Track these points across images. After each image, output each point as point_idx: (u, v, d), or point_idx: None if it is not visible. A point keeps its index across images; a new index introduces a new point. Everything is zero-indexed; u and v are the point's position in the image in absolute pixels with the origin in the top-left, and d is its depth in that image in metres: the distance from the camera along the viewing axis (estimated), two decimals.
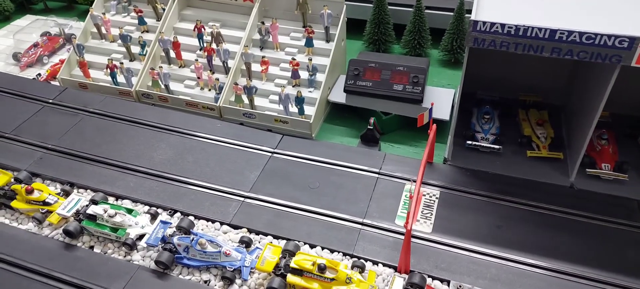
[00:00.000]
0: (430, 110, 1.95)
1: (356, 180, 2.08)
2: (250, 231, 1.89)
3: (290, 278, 1.63)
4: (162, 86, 2.60)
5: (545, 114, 2.28)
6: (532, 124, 2.22)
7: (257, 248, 1.79)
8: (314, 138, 2.38)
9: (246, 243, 1.80)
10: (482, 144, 2.16)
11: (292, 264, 1.64)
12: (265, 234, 1.87)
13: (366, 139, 2.31)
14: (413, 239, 1.81)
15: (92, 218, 1.84)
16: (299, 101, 2.34)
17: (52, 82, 2.83)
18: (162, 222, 1.86)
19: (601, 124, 2.17)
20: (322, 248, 1.80)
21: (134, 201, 2.03)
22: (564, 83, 2.37)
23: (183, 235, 1.79)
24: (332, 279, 1.61)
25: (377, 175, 2.09)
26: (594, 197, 1.93)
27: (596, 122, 1.80)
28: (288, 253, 1.71)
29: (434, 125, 2.01)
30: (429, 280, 1.68)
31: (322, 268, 1.61)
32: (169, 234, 1.81)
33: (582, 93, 2.09)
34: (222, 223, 1.93)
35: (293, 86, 2.51)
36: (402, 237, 1.80)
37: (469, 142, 2.18)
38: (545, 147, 2.12)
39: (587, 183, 1.99)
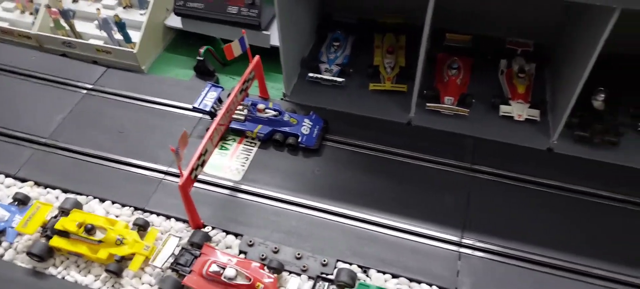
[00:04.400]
0: (242, 39, 1.64)
1: (175, 121, 1.82)
2: (37, 184, 1.65)
3: (55, 240, 1.43)
4: None
5: (403, 39, 1.99)
6: (383, 51, 1.94)
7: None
8: (145, 71, 2.07)
9: (20, 200, 1.56)
10: (324, 77, 1.89)
11: (57, 226, 1.43)
12: (54, 188, 1.64)
13: (200, 72, 2.01)
14: (216, 189, 1.61)
15: None
16: (120, 26, 1.98)
17: None
18: None
19: (459, 50, 1.92)
20: (113, 203, 1.59)
21: None
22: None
23: None
24: (100, 241, 1.41)
25: (201, 115, 1.83)
26: (429, 136, 1.73)
27: (425, 46, 1.54)
28: (62, 212, 1.50)
29: (257, 57, 1.73)
30: (222, 235, 1.50)
31: (88, 229, 1.40)
32: None
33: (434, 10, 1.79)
34: (7, 175, 1.68)
35: (123, 8, 2.14)
36: (209, 187, 1.61)
37: (311, 74, 1.91)
38: (390, 79, 1.86)
39: (428, 119, 1.78)
